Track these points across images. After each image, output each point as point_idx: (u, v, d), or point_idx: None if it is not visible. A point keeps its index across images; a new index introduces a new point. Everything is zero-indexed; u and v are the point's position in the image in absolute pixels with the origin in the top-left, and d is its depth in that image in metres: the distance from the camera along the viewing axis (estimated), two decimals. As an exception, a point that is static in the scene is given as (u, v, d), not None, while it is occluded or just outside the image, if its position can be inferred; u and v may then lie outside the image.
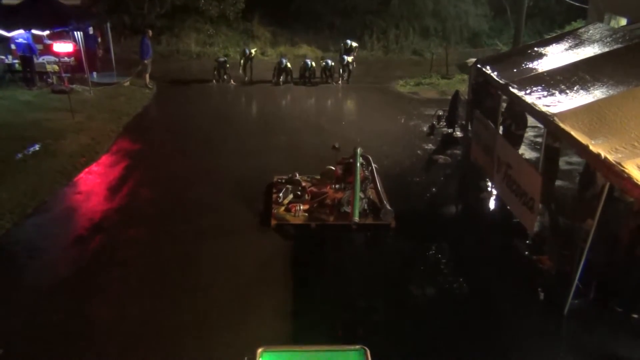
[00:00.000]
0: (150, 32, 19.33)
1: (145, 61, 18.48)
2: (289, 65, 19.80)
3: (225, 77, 19.76)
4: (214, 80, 19.61)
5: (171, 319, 6.75)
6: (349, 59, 20.35)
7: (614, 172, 5.69)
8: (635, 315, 6.91)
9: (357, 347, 4.44)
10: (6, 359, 6.04)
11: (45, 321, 6.68)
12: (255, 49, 21.22)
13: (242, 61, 19.96)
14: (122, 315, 6.82)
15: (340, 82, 20.36)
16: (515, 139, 10.98)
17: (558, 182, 10.46)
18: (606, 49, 9.42)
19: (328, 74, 20.37)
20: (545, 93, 8.23)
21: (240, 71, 19.96)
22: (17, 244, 8.58)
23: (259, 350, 4.31)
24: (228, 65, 19.80)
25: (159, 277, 7.70)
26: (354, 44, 21.40)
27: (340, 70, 20.43)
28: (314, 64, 20.25)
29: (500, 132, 10.54)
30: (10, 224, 9.02)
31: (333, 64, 20.39)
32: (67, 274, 7.75)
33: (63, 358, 6.08)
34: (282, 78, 19.74)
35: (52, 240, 8.66)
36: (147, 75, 18.69)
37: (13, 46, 17.69)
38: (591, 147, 6.18)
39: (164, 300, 7.12)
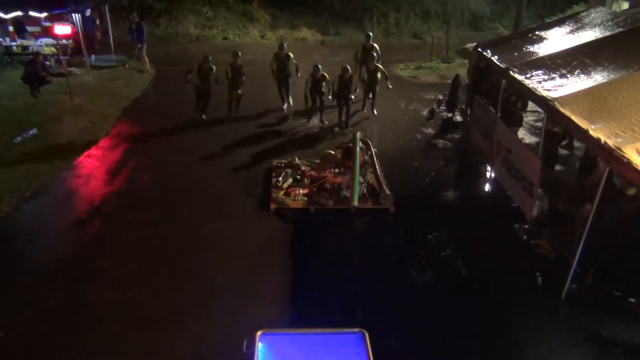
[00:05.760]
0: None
1: (143, 45, 18.34)
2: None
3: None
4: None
5: (171, 302, 6.78)
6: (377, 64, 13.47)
7: (614, 157, 5.68)
8: (632, 300, 6.95)
9: (356, 330, 4.47)
10: (6, 342, 6.08)
11: (45, 304, 6.71)
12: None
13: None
14: (122, 298, 6.85)
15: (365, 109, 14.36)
16: (516, 119, 10.96)
17: (557, 167, 10.46)
18: (607, 33, 9.37)
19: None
20: (545, 77, 8.20)
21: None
22: (17, 228, 8.59)
23: (258, 333, 4.34)
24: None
25: (159, 260, 7.73)
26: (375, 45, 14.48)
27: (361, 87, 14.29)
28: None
29: (502, 110, 10.49)
30: (10, 208, 9.02)
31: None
32: (67, 257, 7.77)
33: (63, 341, 6.12)
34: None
35: (52, 224, 8.67)
36: (147, 58, 18.56)
37: (11, 28, 17.55)
38: (591, 132, 6.17)
39: (164, 284, 7.15)
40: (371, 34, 15.16)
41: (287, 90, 14.13)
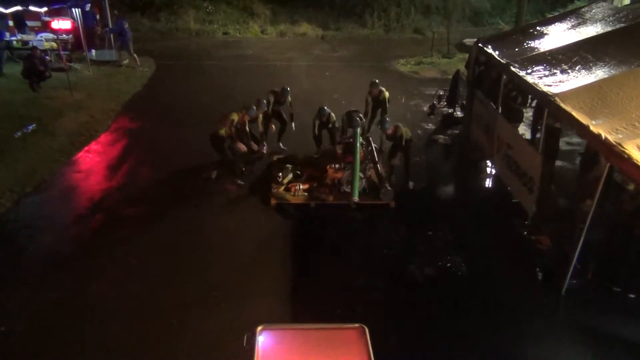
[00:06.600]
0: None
1: (126, 45, 18.15)
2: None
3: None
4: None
5: (172, 297, 6.80)
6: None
7: (615, 153, 5.67)
8: (632, 295, 6.96)
9: (356, 325, 4.47)
10: (7, 337, 6.10)
11: (46, 299, 6.73)
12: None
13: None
14: (122, 294, 6.87)
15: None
16: (517, 115, 10.93)
17: (558, 163, 10.43)
18: (609, 29, 9.34)
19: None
20: (546, 73, 8.18)
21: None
22: (17, 223, 8.60)
23: (259, 328, 4.34)
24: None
25: (159, 255, 7.74)
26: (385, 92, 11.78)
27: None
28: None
29: (503, 106, 10.46)
30: (10, 203, 9.03)
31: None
32: (67, 252, 7.79)
33: (63, 336, 6.14)
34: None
35: (52, 219, 8.68)
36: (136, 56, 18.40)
37: (11, 23, 17.53)
38: (592, 128, 6.16)
39: (165, 279, 7.17)
40: (377, 80, 11.80)
41: (281, 136, 11.61)
